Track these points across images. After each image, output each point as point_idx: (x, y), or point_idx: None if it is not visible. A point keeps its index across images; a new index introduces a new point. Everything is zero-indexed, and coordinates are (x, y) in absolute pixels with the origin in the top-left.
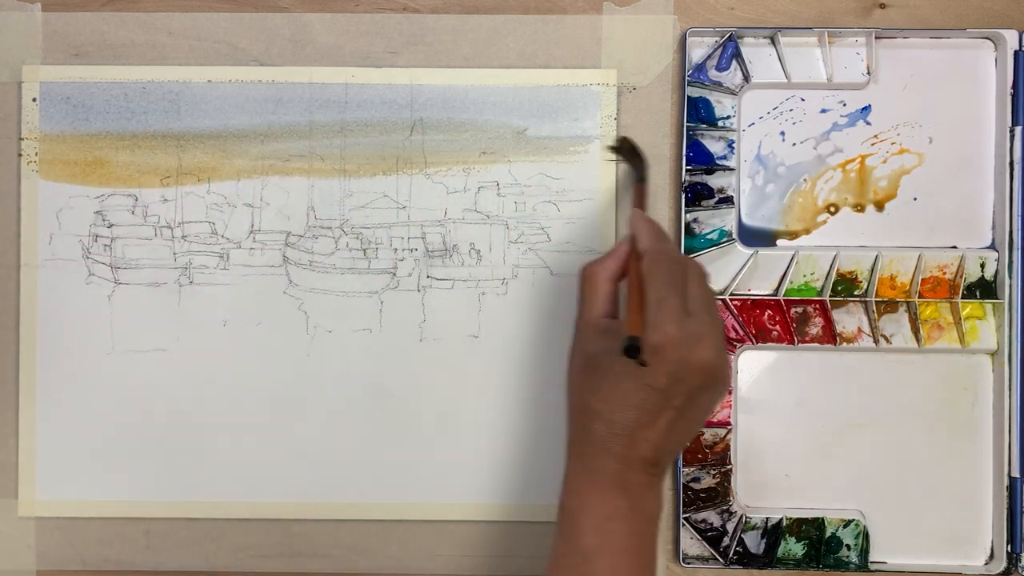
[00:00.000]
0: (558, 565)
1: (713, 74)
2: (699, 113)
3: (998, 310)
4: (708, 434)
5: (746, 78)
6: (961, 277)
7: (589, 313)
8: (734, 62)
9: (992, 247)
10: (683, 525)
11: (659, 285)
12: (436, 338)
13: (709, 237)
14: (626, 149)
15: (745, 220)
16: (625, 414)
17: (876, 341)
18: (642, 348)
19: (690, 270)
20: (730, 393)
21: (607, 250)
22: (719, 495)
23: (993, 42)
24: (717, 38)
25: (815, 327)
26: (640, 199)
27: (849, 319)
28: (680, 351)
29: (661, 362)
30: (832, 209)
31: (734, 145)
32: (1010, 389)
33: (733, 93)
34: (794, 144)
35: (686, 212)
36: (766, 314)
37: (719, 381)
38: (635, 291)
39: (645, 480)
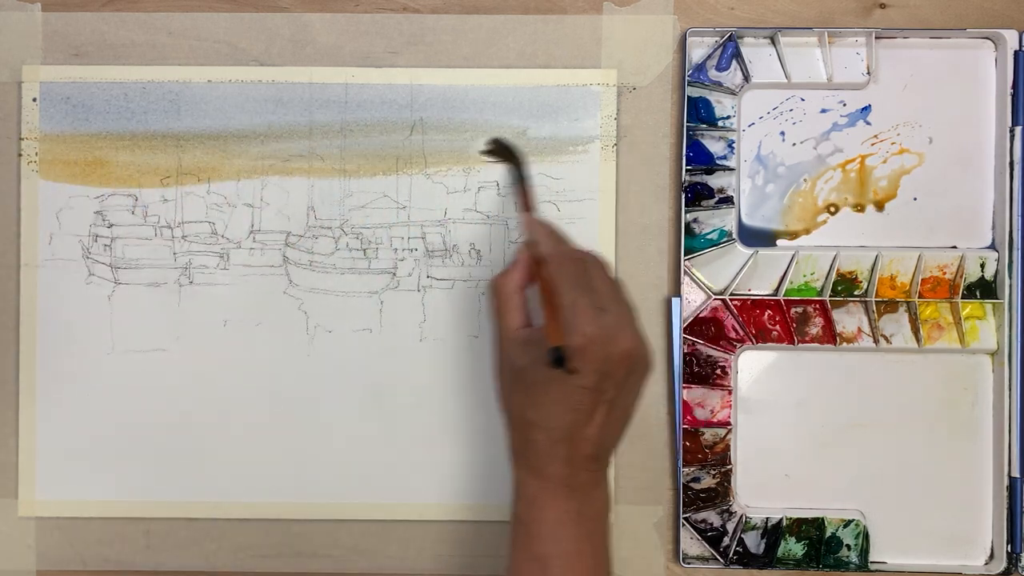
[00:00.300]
0: (516, 574)
1: (713, 74)
2: (699, 113)
3: (998, 310)
4: (708, 434)
5: (746, 78)
6: (961, 277)
7: (507, 327)
8: (734, 62)
9: (992, 247)
10: (683, 525)
11: (567, 288)
12: (436, 338)
13: (709, 237)
14: (499, 149)
15: (745, 220)
16: (563, 419)
17: (876, 341)
18: (567, 356)
19: (590, 265)
20: (730, 393)
21: (511, 261)
22: (719, 495)
23: (993, 42)
24: (717, 38)
25: (815, 327)
26: (525, 199)
27: (849, 319)
28: (602, 348)
29: (586, 362)
30: (832, 209)
31: (734, 145)
32: (1010, 389)
33: (733, 93)
34: (794, 144)
35: (686, 212)
36: (766, 314)
37: (643, 364)
38: (547, 298)
39: (590, 478)
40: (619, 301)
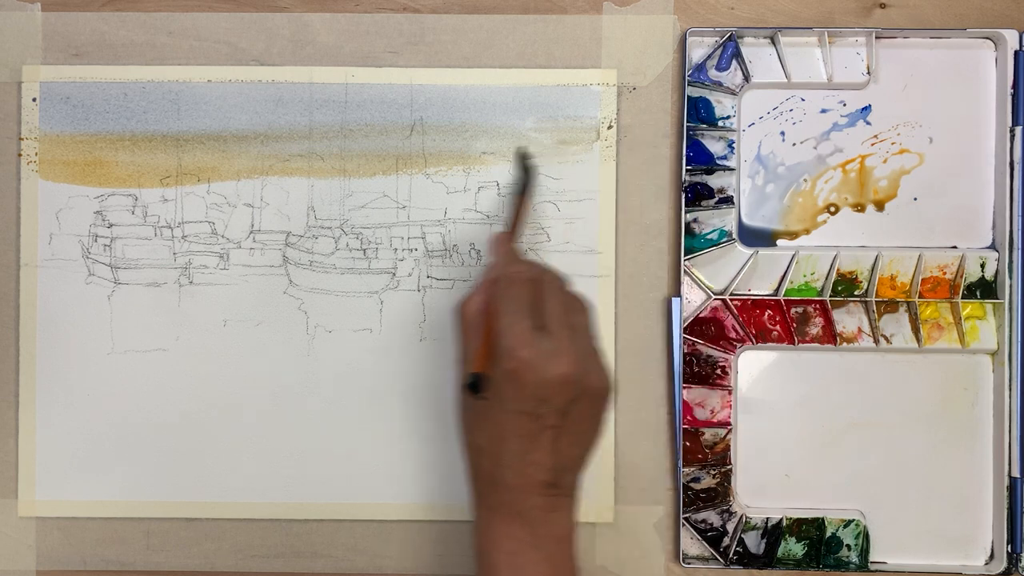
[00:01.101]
0: None
1: (713, 74)
2: (699, 113)
3: (998, 310)
4: (708, 434)
5: (746, 78)
6: (961, 277)
7: (465, 350)
8: (734, 62)
9: (992, 247)
10: (683, 525)
11: (507, 310)
12: (436, 338)
13: (709, 237)
14: (523, 159)
15: (745, 220)
16: (506, 445)
17: (876, 341)
18: (482, 383)
19: (546, 285)
20: (730, 393)
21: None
22: (719, 495)
23: (993, 42)
24: (717, 38)
25: (815, 327)
26: (516, 216)
27: (849, 319)
28: (536, 372)
29: (521, 387)
30: (832, 209)
31: (734, 145)
32: (1010, 389)
33: (733, 93)
34: (794, 144)
35: (686, 212)
36: (766, 314)
37: (588, 390)
38: (487, 320)
39: (546, 503)
40: (569, 323)
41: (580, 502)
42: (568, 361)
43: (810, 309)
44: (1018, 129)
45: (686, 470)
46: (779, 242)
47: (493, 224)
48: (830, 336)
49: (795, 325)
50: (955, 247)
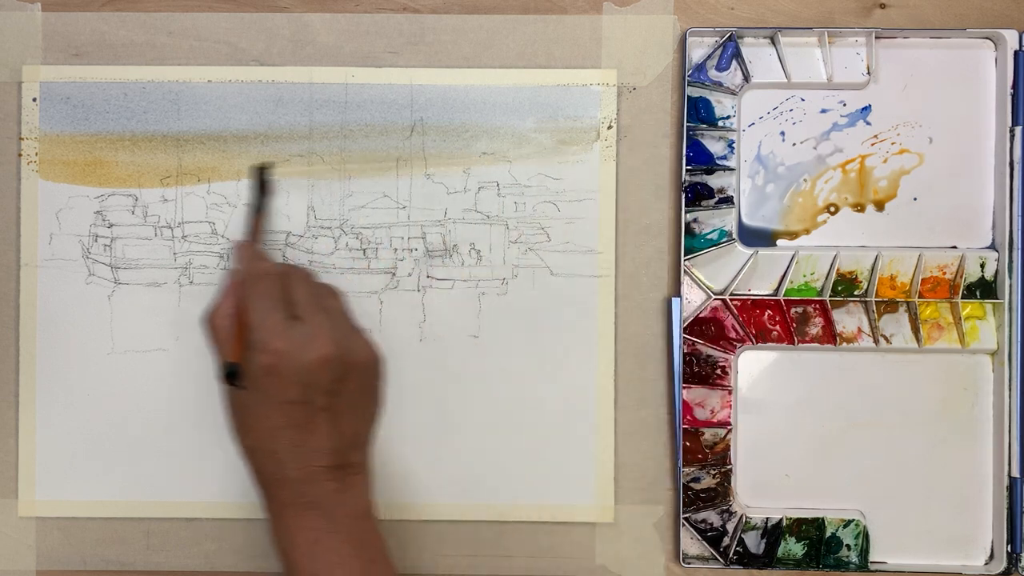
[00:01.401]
0: None
1: (713, 74)
2: (699, 113)
3: (998, 310)
4: (708, 434)
5: (746, 78)
6: (961, 277)
7: (221, 356)
8: (734, 62)
9: (992, 247)
10: (683, 525)
11: (257, 306)
12: (436, 338)
13: (709, 237)
14: (262, 175)
15: (745, 220)
16: (280, 439)
17: (876, 341)
18: (239, 372)
19: (292, 277)
20: (730, 393)
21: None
22: (719, 495)
23: (993, 42)
24: (717, 38)
25: (815, 327)
26: (255, 228)
27: (849, 319)
28: (294, 359)
29: (281, 377)
30: (832, 209)
31: (734, 145)
32: (1010, 389)
33: (733, 93)
34: (794, 144)
35: (686, 212)
36: (766, 314)
37: (355, 366)
38: (238, 317)
39: (336, 486)
40: (321, 309)
41: (374, 476)
42: (325, 342)
43: (810, 309)
44: (1018, 129)
45: (686, 470)
46: (779, 242)
47: (493, 224)
48: (830, 336)
49: (795, 325)
50: (955, 247)
